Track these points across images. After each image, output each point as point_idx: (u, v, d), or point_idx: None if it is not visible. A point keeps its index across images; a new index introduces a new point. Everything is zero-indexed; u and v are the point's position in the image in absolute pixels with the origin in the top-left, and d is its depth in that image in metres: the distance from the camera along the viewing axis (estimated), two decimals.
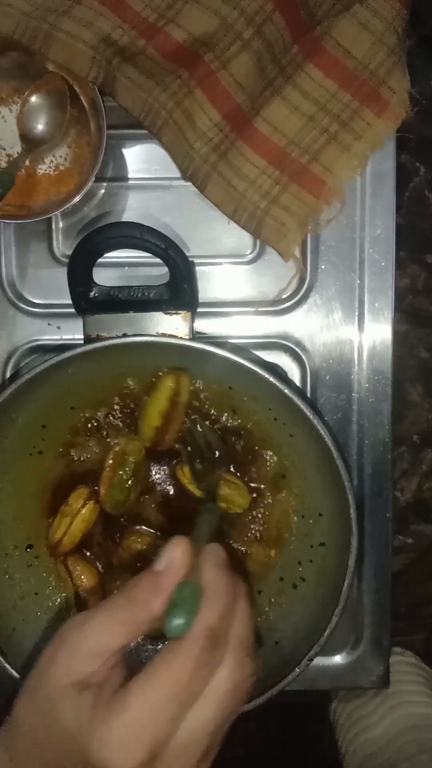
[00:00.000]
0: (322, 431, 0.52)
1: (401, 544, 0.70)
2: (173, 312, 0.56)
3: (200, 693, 0.34)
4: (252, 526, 0.60)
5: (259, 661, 0.38)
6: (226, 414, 0.59)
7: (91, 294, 0.57)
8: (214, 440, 0.57)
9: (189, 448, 0.58)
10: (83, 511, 0.58)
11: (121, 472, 0.58)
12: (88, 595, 0.59)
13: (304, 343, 0.62)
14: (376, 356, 0.62)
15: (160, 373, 0.56)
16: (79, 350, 0.53)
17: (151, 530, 0.60)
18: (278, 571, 0.60)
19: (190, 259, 0.58)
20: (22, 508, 0.59)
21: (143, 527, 0.60)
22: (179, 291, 0.56)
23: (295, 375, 0.62)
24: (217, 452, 0.56)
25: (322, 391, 0.62)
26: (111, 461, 0.58)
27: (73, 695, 0.34)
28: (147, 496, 0.60)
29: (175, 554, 0.37)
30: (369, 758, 0.65)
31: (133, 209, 0.62)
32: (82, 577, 0.59)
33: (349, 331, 0.62)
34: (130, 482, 0.58)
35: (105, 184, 0.61)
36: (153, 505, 0.60)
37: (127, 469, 0.58)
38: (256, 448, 0.59)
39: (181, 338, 0.55)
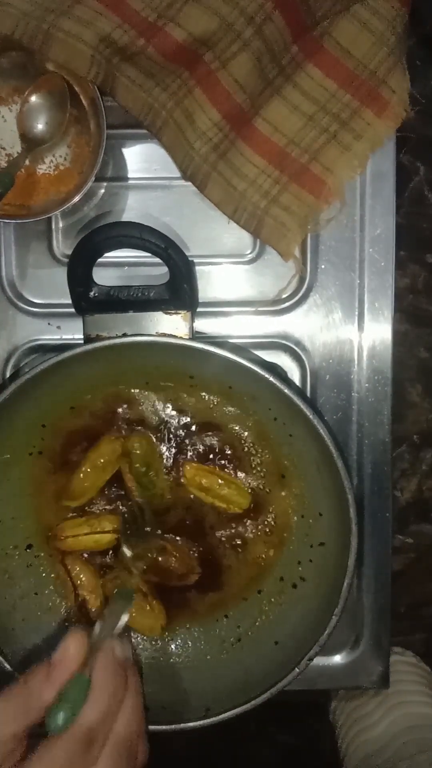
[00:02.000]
0: (322, 431, 0.52)
1: (401, 544, 0.70)
2: (173, 312, 0.56)
3: None
4: (252, 526, 0.60)
5: (141, 756, 0.39)
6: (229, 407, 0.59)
7: (91, 294, 0.57)
8: (147, 511, 0.58)
9: (125, 515, 0.58)
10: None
11: (137, 465, 0.58)
12: (88, 594, 0.59)
13: (304, 342, 0.62)
14: (376, 356, 0.61)
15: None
16: (79, 350, 0.53)
17: (152, 530, 0.60)
18: (278, 571, 0.60)
19: (190, 259, 0.58)
20: (22, 508, 0.59)
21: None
22: (179, 291, 0.56)
23: (295, 375, 0.62)
24: (149, 526, 0.57)
25: (322, 391, 0.62)
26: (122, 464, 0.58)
27: None
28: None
29: (69, 648, 0.38)
30: (369, 758, 0.65)
31: (133, 209, 0.61)
32: (81, 576, 0.59)
33: (349, 331, 0.62)
34: (151, 473, 0.58)
35: (105, 183, 0.61)
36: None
37: (139, 461, 0.58)
38: (257, 447, 0.59)
39: (181, 338, 0.55)
